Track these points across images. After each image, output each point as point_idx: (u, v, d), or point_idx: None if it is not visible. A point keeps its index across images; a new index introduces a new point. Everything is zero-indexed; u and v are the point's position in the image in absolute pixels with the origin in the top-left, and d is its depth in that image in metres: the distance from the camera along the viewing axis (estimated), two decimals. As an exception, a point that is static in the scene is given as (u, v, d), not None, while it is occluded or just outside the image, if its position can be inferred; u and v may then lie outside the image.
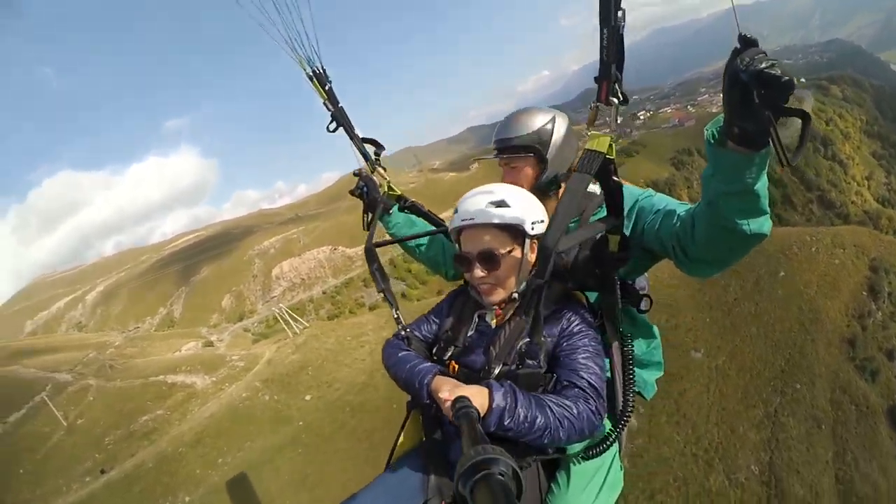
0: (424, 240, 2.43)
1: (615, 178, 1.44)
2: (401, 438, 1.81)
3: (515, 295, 1.66)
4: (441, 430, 1.68)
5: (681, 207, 1.61)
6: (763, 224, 1.32)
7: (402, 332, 1.89)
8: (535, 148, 1.89)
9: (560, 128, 1.93)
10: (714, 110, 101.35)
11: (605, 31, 1.23)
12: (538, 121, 1.91)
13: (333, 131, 2.35)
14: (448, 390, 1.40)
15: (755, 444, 21.67)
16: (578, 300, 1.74)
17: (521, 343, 1.58)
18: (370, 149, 2.43)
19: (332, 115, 2.33)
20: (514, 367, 1.55)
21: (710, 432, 21.57)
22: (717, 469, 20.40)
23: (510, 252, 1.64)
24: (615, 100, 1.30)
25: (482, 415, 1.33)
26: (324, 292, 74.72)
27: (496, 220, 1.62)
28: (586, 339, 1.58)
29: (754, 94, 1.05)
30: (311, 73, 2.26)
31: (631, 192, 1.78)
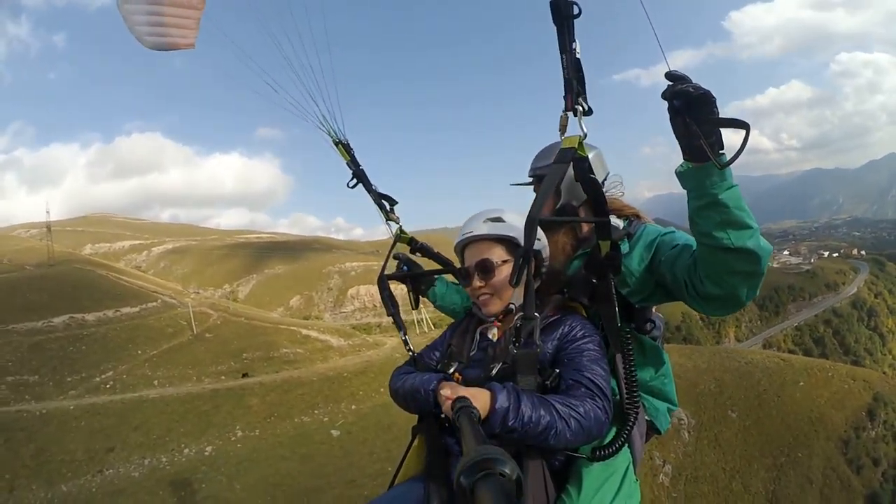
0: (444, 290, 2.69)
1: (592, 175, 1.54)
2: (405, 463, 1.82)
3: (513, 306, 1.77)
4: (445, 452, 1.69)
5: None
6: (745, 238, 1.38)
7: (411, 354, 2.02)
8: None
9: (594, 161, 1.95)
10: (775, 265, 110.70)
11: (563, 56, 1.48)
12: None
13: (353, 188, 2.71)
14: (450, 389, 1.43)
15: (764, 481, 30.83)
16: (577, 310, 1.82)
17: (516, 318, 1.65)
18: (385, 203, 2.73)
19: (353, 174, 2.71)
20: (511, 346, 1.59)
21: (728, 481, 31.10)
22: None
23: (505, 263, 1.77)
24: (579, 108, 1.51)
25: (485, 416, 1.34)
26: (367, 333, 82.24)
27: (491, 233, 1.79)
28: (590, 344, 1.65)
29: (685, 115, 1.29)
30: (338, 141, 2.70)
31: (654, 229, 1.92)
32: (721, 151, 1.32)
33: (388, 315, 2.35)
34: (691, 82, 1.27)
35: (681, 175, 1.44)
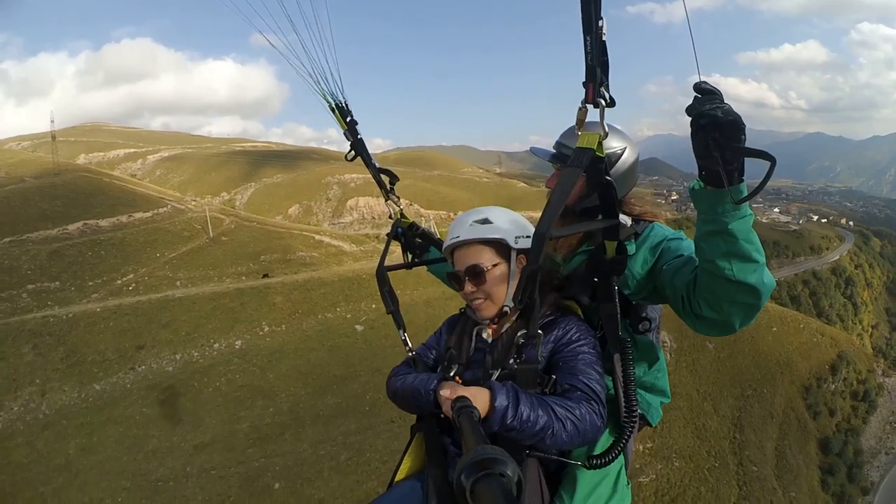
0: (441, 268, 2.48)
1: (607, 177, 1.46)
2: (404, 462, 1.81)
3: (507, 308, 1.72)
4: (444, 452, 1.70)
5: None
6: (748, 272, 1.34)
7: (410, 354, 1.98)
8: None
9: (628, 159, 1.95)
10: (764, 221, 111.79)
11: (587, 38, 1.29)
12: (610, 143, 1.90)
13: (352, 160, 2.46)
14: (449, 389, 1.40)
15: (731, 408, 34.38)
16: (573, 311, 1.80)
17: (518, 335, 1.64)
18: (385, 178, 2.52)
19: (351, 146, 2.44)
20: (511, 360, 1.60)
21: (700, 401, 34.33)
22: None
23: (496, 266, 1.72)
24: (602, 101, 1.35)
25: (485, 415, 1.33)
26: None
27: (479, 237, 1.74)
28: (586, 347, 1.62)
29: (708, 136, 1.21)
30: (333, 106, 2.38)
31: (663, 231, 1.87)
32: (741, 179, 1.26)
33: (388, 313, 2.21)
34: (721, 102, 1.20)
35: (694, 194, 1.38)
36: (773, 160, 1.19)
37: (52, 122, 62.13)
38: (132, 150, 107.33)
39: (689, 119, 1.24)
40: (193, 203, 56.32)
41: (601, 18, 1.27)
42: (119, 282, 35.36)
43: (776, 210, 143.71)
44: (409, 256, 2.56)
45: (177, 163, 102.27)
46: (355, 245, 48.21)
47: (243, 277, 37.14)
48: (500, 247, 1.74)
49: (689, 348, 36.59)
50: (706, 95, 1.22)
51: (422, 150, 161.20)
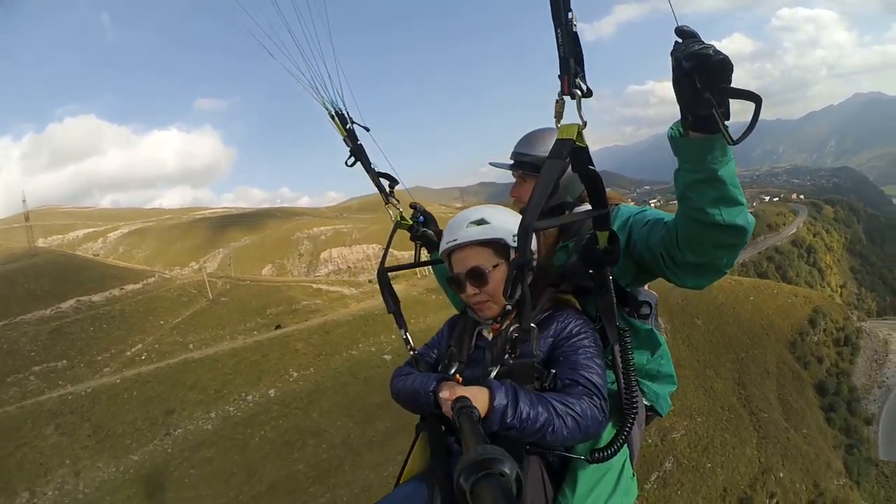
0: (440, 269, 2.43)
1: (591, 167, 1.41)
2: (410, 461, 1.82)
3: (510, 307, 1.69)
4: (447, 451, 1.68)
5: (669, 217, 1.64)
6: (735, 214, 1.36)
7: (412, 353, 1.98)
8: None
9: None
10: None
11: (558, 30, 1.28)
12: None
13: (351, 166, 2.50)
14: (449, 389, 1.41)
15: (730, 370, 38.19)
16: (571, 304, 1.79)
17: (511, 329, 1.62)
18: (385, 182, 2.55)
19: (350, 151, 2.48)
20: (506, 356, 1.58)
21: (702, 369, 38.19)
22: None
23: (496, 267, 1.71)
24: (578, 91, 1.33)
25: (484, 414, 1.33)
26: (369, 281, 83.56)
27: (477, 238, 1.72)
28: (586, 341, 1.62)
29: (696, 79, 1.15)
30: (332, 114, 2.43)
31: (628, 209, 1.88)
32: (726, 123, 1.21)
33: (389, 312, 2.21)
34: (703, 42, 1.16)
35: (677, 143, 1.35)
36: (759, 100, 1.14)
37: (24, 201, 60.29)
38: (91, 229, 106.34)
39: (672, 64, 1.19)
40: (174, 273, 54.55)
41: (570, 10, 1.26)
42: (129, 353, 35.12)
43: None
44: (419, 251, 2.55)
45: (138, 237, 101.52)
46: (354, 288, 49.32)
47: (255, 332, 37.58)
48: (499, 246, 1.72)
49: (681, 326, 40.08)
50: (687, 38, 1.17)
51: (376, 196, 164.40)
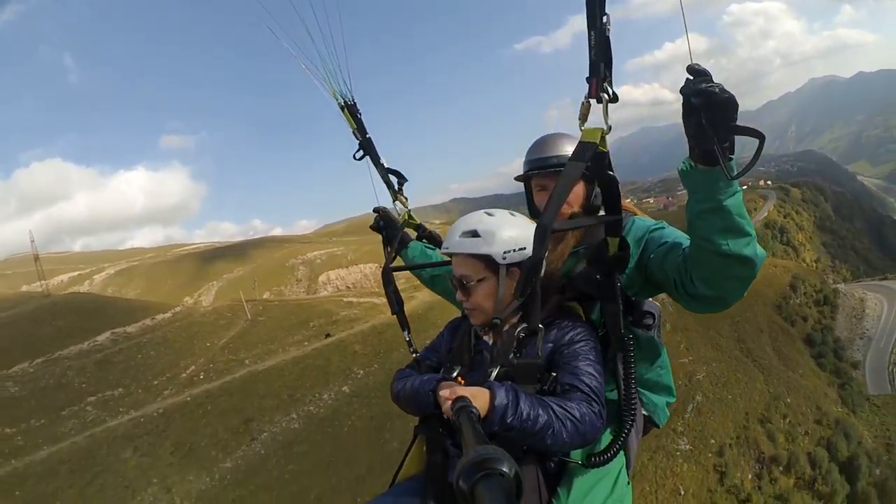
0: (439, 271, 2.48)
1: (610, 172, 1.48)
2: (406, 462, 1.82)
3: (497, 321, 1.69)
4: (444, 453, 1.67)
5: (686, 240, 1.62)
6: (743, 245, 1.38)
7: (414, 356, 2.00)
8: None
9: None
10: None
11: (592, 33, 1.32)
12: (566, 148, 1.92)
13: (360, 160, 2.47)
14: (449, 389, 1.42)
15: (730, 329, 44.31)
16: (575, 312, 1.79)
17: (518, 330, 1.65)
18: (393, 178, 2.53)
19: (360, 145, 2.46)
20: (511, 356, 1.60)
21: (705, 332, 43.98)
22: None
23: (481, 281, 1.71)
24: (605, 95, 1.36)
25: (484, 414, 1.34)
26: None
27: (465, 251, 1.71)
28: (586, 347, 1.62)
29: (702, 115, 1.21)
30: (342, 104, 2.40)
31: (644, 223, 1.87)
32: (731, 157, 1.28)
33: (392, 314, 2.23)
34: (713, 82, 1.21)
35: (686, 175, 1.39)
36: (762, 137, 1.22)
37: (33, 241, 59.15)
38: (75, 272, 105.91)
39: (682, 99, 1.24)
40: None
41: (606, 14, 1.30)
42: (184, 374, 36.08)
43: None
44: (389, 249, 2.46)
45: (125, 277, 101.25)
46: (384, 298, 50.59)
47: (305, 343, 38.79)
48: (490, 261, 1.68)
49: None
50: (698, 76, 1.22)
51: (352, 220, 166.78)
